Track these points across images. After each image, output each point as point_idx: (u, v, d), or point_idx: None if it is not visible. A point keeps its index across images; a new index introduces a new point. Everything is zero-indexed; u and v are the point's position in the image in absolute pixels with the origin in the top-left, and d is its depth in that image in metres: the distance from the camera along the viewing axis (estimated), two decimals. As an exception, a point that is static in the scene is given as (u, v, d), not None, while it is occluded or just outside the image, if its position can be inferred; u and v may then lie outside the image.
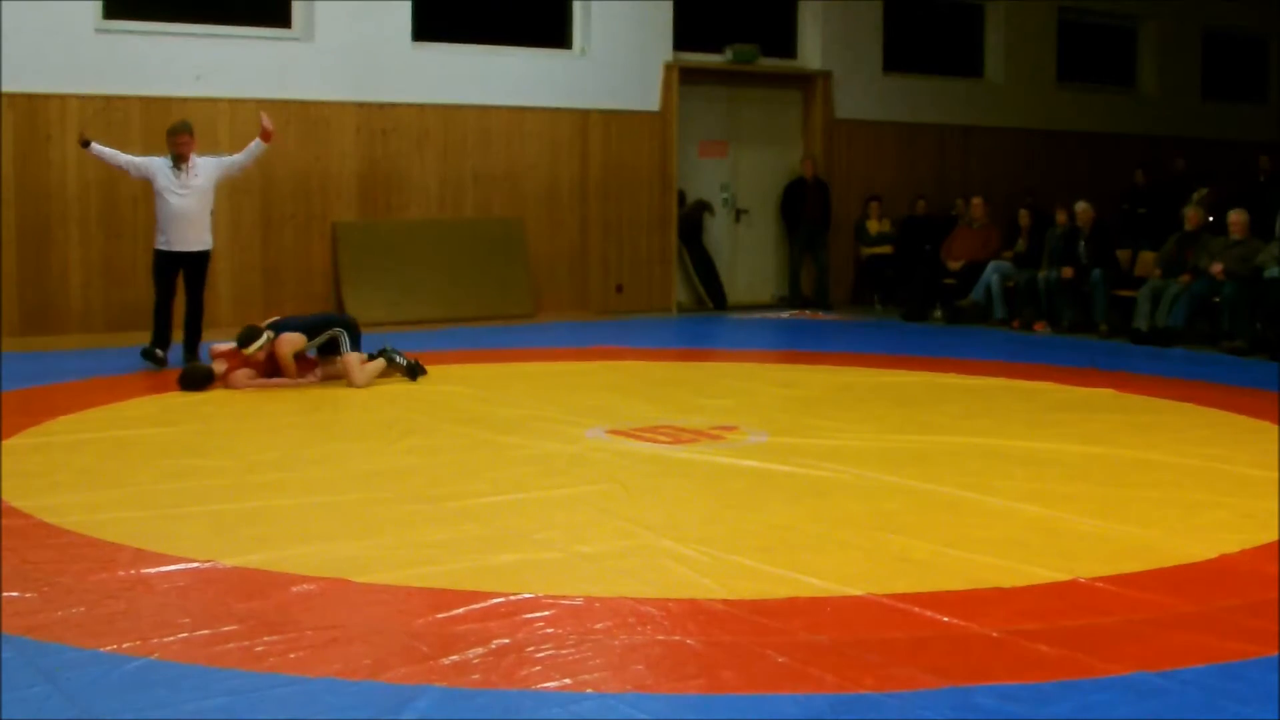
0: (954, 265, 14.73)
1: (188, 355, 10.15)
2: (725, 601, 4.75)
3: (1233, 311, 12.06)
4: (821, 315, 15.16)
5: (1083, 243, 13.54)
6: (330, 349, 9.66)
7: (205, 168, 10.24)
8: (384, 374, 9.79)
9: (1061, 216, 13.97)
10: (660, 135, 14.85)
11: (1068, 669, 4.13)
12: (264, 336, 9.35)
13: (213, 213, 10.34)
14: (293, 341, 9.47)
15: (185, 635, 4.39)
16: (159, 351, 10.17)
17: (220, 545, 5.43)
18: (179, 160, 10.14)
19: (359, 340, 9.71)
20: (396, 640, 4.35)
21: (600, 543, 5.54)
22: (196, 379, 9.26)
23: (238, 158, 10.44)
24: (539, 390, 9.48)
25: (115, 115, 12.02)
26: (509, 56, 14.13)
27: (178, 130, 10.24)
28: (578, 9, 14.48)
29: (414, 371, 9.78)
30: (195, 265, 10.27)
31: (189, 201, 10.13)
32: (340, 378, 9.62)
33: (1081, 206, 13.74)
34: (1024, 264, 14.12)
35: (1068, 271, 13.34)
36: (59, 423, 8.06)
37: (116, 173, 11.99)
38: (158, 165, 10.18)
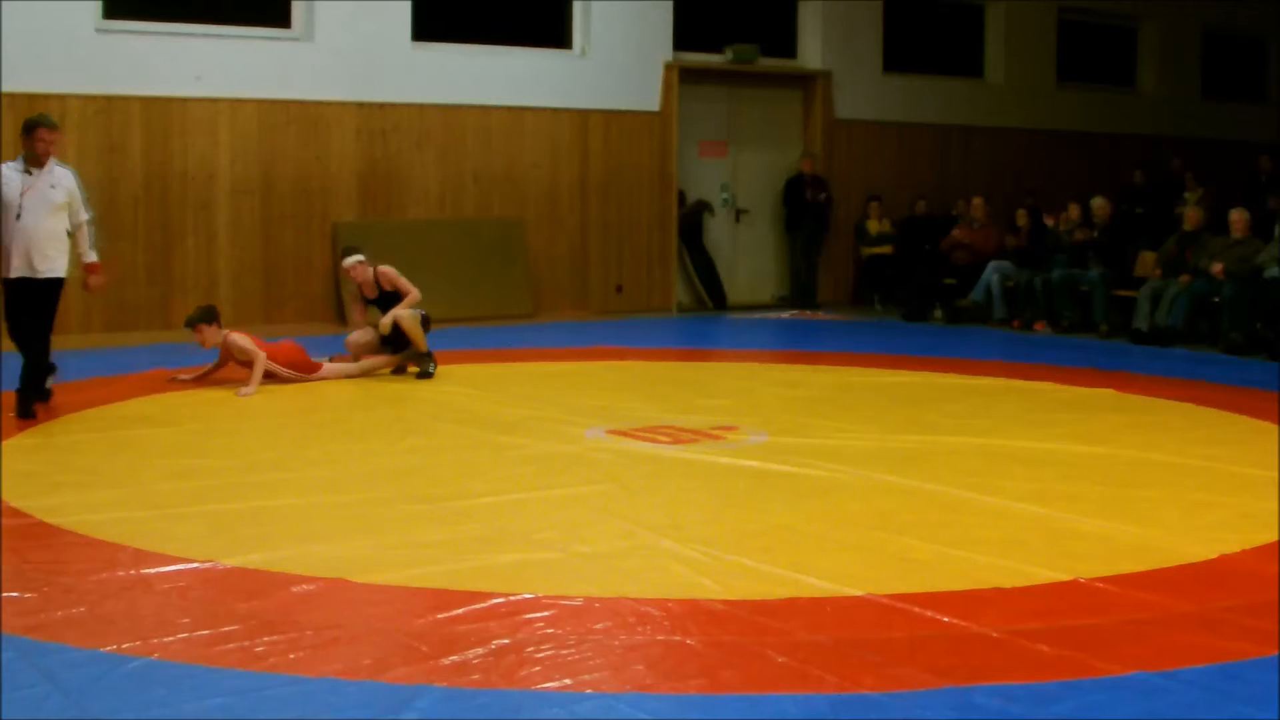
0: (958, 252, 14.73)
1: (24, 408, 8.05)
2: (725, 601, 4.75)
3: (1233, 311, 12.06)
4: (821, 315, 15.16)
5: (1096, 233, 13.55)
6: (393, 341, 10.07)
7: (65, 180, 8.21)
8: (386, 368, 10.06)
9: (1074, 210, 13.97)
10: (660, 135, 14.85)
11: (1068, 669, 4.13)
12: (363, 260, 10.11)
13: (69, 233, 8.31)
14: (392, 278, 10.02)
15: (185, 635, 4.39)
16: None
17: (220, 545, 5.43)
18: (33, 162, 8.10)
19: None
20: (396, 640, 4.35)
21: (600, 543, 5.54)
22: (204, 313, 9.45)
23: (83, 212, 8.37)
24: (539, 390, 9.48)
25: (115, 115, 12.02)
26: (509, 56, 14.13)
27: (39, 124, 8.13)
28: (578, 9, 14.48)
29: (424, 372, 9.97)
30: (44, 295, 8.12)
31: (45, 219, 8.05)
32: (333, 376, 9.81)
33: (1099, 202, 13.75)
34: (1024, 264, 14.13)
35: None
36: (59, 423, 8.06)
37: (116, 173, 12.04)
38: (4, 172, 8.13)
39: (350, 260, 10.08)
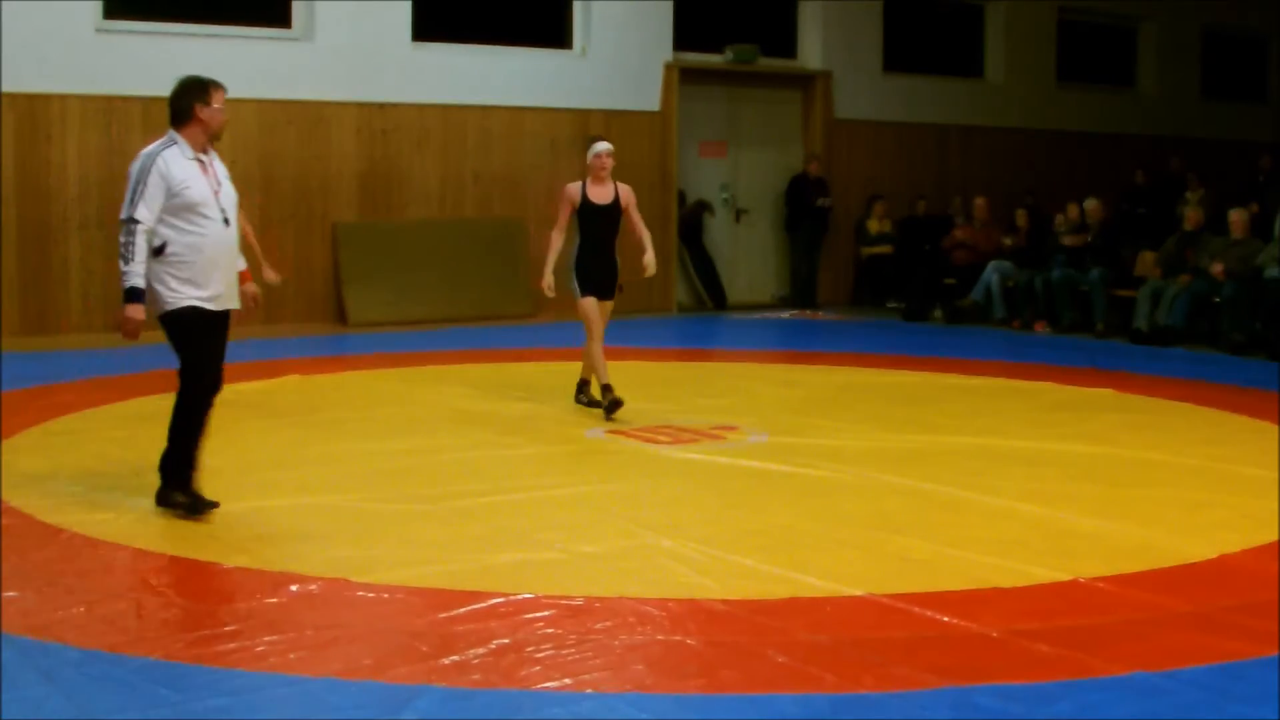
0: (959, 252, 14.75)
1: (184, 485, 5.98)
2: (725, 601, 4.75)
3: (1233, 311, 12.06)
4: (821, 315, 15.16)
5: (1090, 237, 13.57)
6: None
7: (223, 168, 6.12)
8: None
9: (1073, 211, 13.98)
10: (660, 135, 14.84)
11: (1068, 669, 4.13)
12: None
13: None
14: (632, 201, 8.47)
15: (185, 635, 4.39)
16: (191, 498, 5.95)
17: (222, 545, 5.43)
18: (202, 145, 5.94)
19: None
20: (396, 640, 4.36)
21: (600, 543, 5.54)
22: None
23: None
24: (539, 390, 9.48)
25: (115, 115, 12.01)
26: (509, 56, 14.13)
27: (216, 85, 6.01)
28: (578, 9, 14.48)
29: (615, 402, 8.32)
30: (225, 332, 6.10)
31: (234, 226, 5.97)
32: None
33: (1092, 204, 13.75)
34: (1024, 264, 14.13)
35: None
36: (59, 422, 8.06)
37: (117, 173, 12.02)
38: (175, 162, 5.78)
39: (605, 146, 8.38)
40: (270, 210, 12.87)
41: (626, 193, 8.48)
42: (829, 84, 15.98)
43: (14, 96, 11.60)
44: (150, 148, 5.91)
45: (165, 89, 13.22)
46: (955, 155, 16.99)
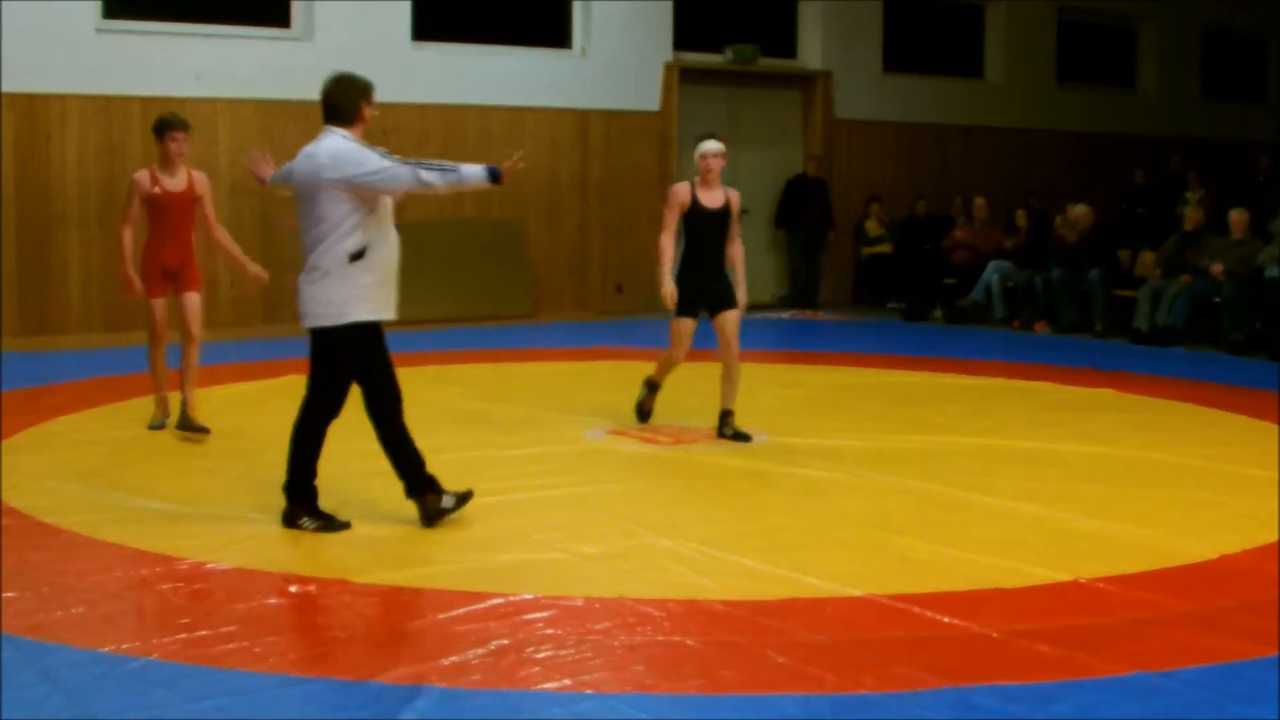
0: (959, 252, 14.74)
1: (311, 507, 5.79)
2: (725, 601, 4.75)
3: (1233, 311, 12.06)
4: (822, 315, 15.15)
5: (1079, 241, 13.57)
6: None
7: None
8: None
9: (1071, 212, 14.00)
10: (660, 135, 14.84)
11: (1068, 669, 4.13)
12: None
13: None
14: (738, 204, 7.72)
15: (185, 635, 4.39)
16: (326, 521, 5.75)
17: (221, 545, 5.43)
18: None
19: None
20: (396, 640, 4.36)
21: (600, 543, 5.54)
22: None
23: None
24: (539, 390, 9.48)
25: (115, 115, 12.01)
26: (509, 56, 14.13)
27: (372, 85, 6.07)
28: (578, 9, 14.48)
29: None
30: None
31: None
32: None
33: (1081, 211, 13.74)
34: (1024, 264, 14.13)
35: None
36: (59, 423, 8.06)
37: (116, 173, 12.02)
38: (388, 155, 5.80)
39: (715, 146, 7.62)
40: (270, 210, 12.87)
41: (736, 199, 7.73)
42: (829, 84, 15.98)
43: (14, 96, 11.60)
44: (340, 142, 5.73)
45: (165, 89, 13.25)
46: (955, 155, 16.99)
